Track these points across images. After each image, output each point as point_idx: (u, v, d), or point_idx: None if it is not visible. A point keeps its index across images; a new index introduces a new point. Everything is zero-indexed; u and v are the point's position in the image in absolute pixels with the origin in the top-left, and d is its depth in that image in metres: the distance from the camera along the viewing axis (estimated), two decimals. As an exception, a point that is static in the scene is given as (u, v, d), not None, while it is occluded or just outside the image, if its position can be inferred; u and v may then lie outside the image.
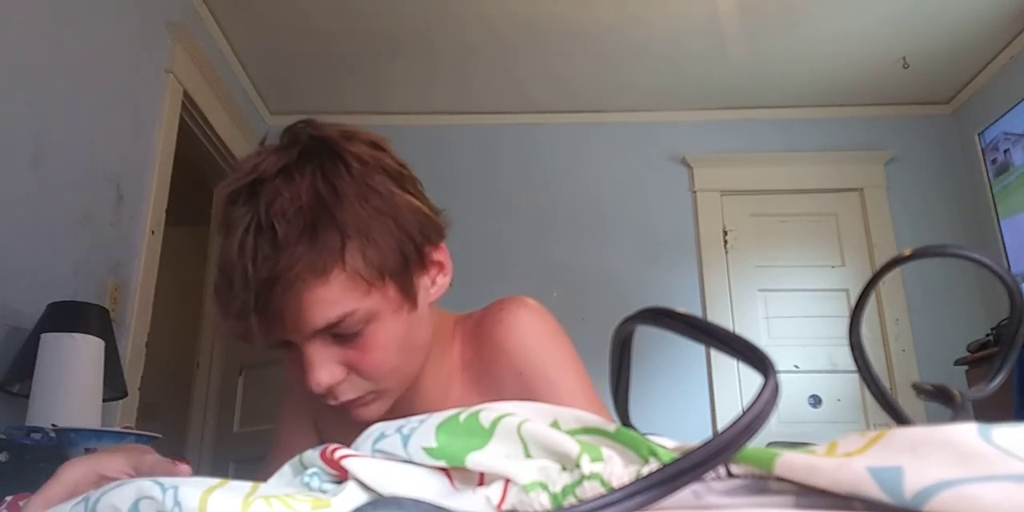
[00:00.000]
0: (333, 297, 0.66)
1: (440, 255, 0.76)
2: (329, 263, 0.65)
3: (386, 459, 0.35)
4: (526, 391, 0.76)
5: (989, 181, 2.92)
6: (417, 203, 0.73)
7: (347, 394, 0.71)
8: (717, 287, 3.37)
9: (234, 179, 0.68)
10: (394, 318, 0.70)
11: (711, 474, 0.28)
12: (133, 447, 0.63)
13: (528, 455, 0.32)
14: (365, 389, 0.71)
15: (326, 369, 0.68)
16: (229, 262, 0.65)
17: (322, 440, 0.90)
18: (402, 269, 0.70)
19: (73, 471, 0.54)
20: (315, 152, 0.69)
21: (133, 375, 2.21)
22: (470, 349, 0.82)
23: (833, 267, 3.39)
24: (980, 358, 2.53)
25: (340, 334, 0.68)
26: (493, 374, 0.79)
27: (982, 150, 2.95)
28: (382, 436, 0.36)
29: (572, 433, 0.33)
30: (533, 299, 0.83)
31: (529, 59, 3.22)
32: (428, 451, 0.34)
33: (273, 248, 0.63)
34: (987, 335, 2.63)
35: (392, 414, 0.45)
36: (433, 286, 0.76)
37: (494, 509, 0.30)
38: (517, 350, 0.78)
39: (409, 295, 0.71)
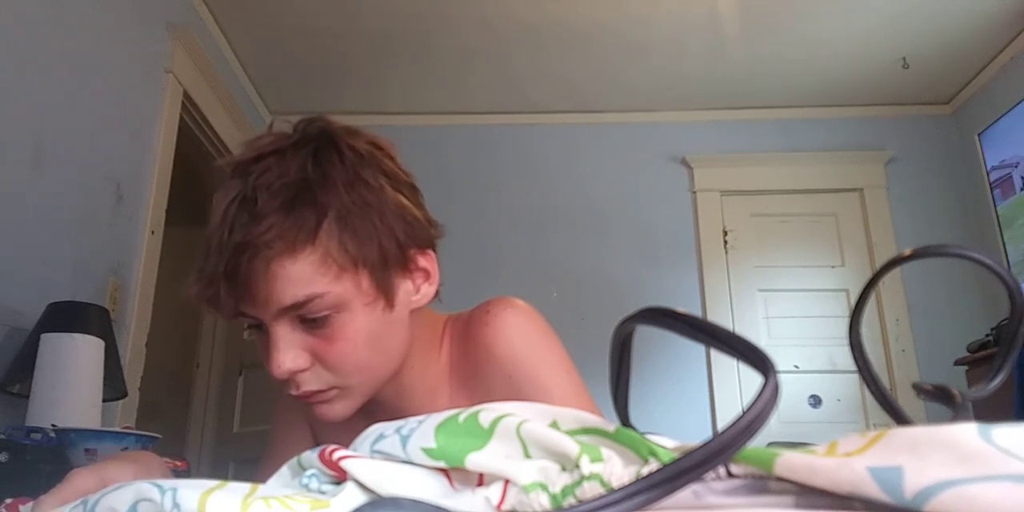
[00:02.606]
0: (302, 276, 0.66)
1: (427, 262, 0.75)
2: (301, 238, 0.65)
3: (385, 460, 0.35)
4: (516, 394, 0.74)
5: (989, 181, 2.92)
6: (407, 204, 0.72)
7: (309, 384, 0.70)
8: (717, 287, 3.37)
9: (235, 156, 0.70)
10: (366, 312, 0.69)
11: (711, 474, 0.28)
12: (141, 458, 0.64)
13: (528, 455, 0.32)
14: (328, 383, 0.70)
15: (290, 353, 0.68)
16: (211, 229, 0.67)
17: (317, 441, 0.90)
18: (380, 264, 0.69)
19: (85, 478, 0.55)
20: (313, 138, 0.71)
21: (133, 375, 2.21)
22: (458, 352, 0.81)
23: (833, 267, 3.39)
24: (980, 358, 2.53)
25: (308, 320, 0.68)
26: (482, 378, 0.78)
27: (982, 151, 2.95)
28: (381, 437, 0.36)
29: (572, 433, 0.33)
30: (521, 299, 0.81)
31: (528, 59, 3.22)
32: (427, 451, 0.34)
33: (251, 216, 0.65)
34: (987, 335, 2.63)
35: (379, 418, 0.45)
36: (417, 293, 0.75)
37: (494, 509, 0.30)
38: (505, 353, 0.77)
39: (385, 292, 0.70)
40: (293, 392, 0.70)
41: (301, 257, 0.65)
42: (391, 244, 0.70)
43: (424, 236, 0.74)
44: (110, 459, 0.63)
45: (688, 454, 0.25)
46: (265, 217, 0.65)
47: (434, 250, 0.77)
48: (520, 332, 0.78)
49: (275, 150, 0.69)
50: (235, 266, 0.65)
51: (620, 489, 0.25)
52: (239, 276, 0.65)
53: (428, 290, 0.76)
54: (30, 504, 0.53)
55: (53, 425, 1.38)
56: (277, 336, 0.68)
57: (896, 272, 3.28)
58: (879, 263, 3.27)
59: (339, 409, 0.72)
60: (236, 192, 0.66)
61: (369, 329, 0.70)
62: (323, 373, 0.70)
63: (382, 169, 0.72)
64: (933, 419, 0.33)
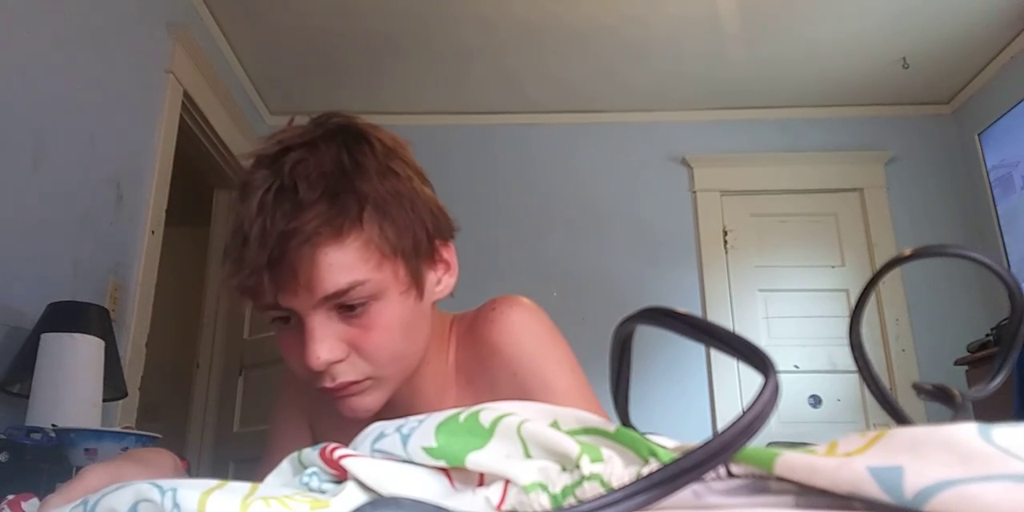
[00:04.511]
0: (347, 262, 0.66)
1: (448, 254, 0.77)
2: (347, 225, 0.66)
3: (385, 459, 0.35)
4: (521, 392, 0.75)
5: (989, 181, 2.92)
6: (433, 196, 0.74)
7: (346, 375, 0.69)
8: (717, 287, 3.37)
9: (259, 148, 0.70)
10: (400, 300, 0.70)
11: (711, 474, 0.28)
12: (156, 459, 0.63)
13: (528, 455, 0.32)
14: (364, 373, 0.70)
15: (327, 343, 0.67)
16: (247, 220, 0.66)
17: (316, 440, 0.90)
18: (413, 252, 0.70)
19: (98, 476, 0.55)
20: (340, 131, 0.71)
21: (133, 375, 2.21)
22: (464, 350, 0.81)
23: (833, 267, 3.39)
24: (980, 358, 2.53)
25: (346, 307, 0.68)
26: (488, 375, 0.79)
27: (982, 151, 2.95)
28: (381, 435, 0.36)
29: (572, 433, 0.33)
30: (527, 298, 0.82)
31: (527, 59, 3.22)
32: (428, 451, 0.34)
33: (293, 205, 0.65)
34: (987, 335, 2.63)
35: (389, 416, 0.45)
36: (439, 284, 0.76)
37: (494, 510, 0.30)
38: (511, 350, 0.77)
39: (417, 281, 0.72)
40: (328, 385, 0.70)
41: (347, 244, 0.66)
42: (422, 234, 0.71)
43: (447, 228, 0.76)
44: (126, 458, 0.62)
45: (688, 454, 0.25)
46: (310, 205, 0.65)
47: (452, 241, 0.78)
48: (526, 330, 0.78)
49: (304, 142, 0.69)
50: (280, 254, 0.65)
51: (620, 489, 0.25)
52: (283, 264, 0.65)
53: (449, 281, 0.77)
54: (32, 500, 0.53)
55: (53, 425, 1.39)
56: (313, 326, 0.67)
57: (896, 272, 3.28)
58: (879, 263, 3.27)
59: (370, 401, 0.72)
60: (270, 182, 0.66)
61: (403, 318, 0.70)
62: (359, 363, 0.70)
63: (406, 161, 0.73)
64: (933, 419, 0.33)
